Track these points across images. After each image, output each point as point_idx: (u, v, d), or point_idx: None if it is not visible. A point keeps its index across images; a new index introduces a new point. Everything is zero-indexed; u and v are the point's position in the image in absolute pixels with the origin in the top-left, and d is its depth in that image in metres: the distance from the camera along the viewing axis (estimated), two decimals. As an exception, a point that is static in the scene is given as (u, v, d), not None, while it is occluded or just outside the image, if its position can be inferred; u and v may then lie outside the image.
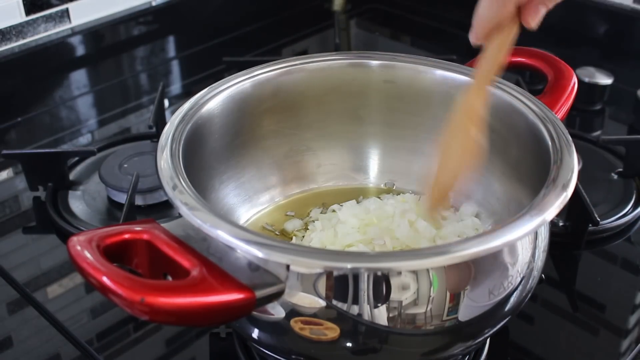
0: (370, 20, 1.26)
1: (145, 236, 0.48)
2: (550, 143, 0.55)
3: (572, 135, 0.56)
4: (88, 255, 0.45)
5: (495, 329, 0.53)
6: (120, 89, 1.04)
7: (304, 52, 1.13)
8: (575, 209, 0.71)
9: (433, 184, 0.55)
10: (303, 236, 0.65)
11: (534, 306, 0.66)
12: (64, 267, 0.71)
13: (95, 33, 1.02)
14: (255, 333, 0.52)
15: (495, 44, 0.53)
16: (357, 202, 0.68)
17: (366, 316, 0.47)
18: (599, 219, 0.70)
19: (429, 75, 0.66)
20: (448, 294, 0.48)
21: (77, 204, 0.78)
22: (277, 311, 0.48)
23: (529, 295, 0.54)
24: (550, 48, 0.72)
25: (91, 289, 0.67)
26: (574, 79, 0.65)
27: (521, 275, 0.51)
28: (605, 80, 0.95)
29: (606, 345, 0.63)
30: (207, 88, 0.63)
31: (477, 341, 0.53)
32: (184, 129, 0.57)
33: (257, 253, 0.45)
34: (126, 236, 0.48)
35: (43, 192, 0.79)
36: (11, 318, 0.66)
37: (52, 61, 0.98)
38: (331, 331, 0.48)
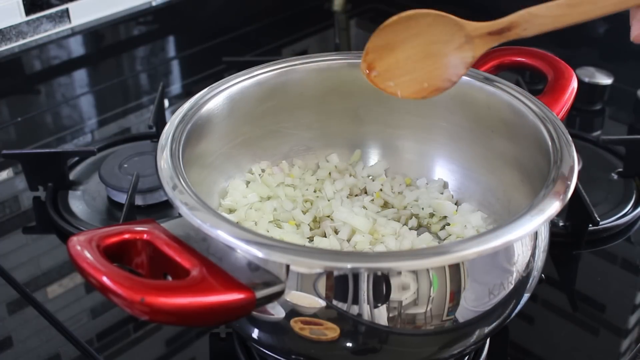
0: (370, 20, 1.26)
1: (145, 236, 0.48)
2: (550, 143, 0.55)
3: (572, 135, 0.56)
4: (88, 255, 0.45)
5: (495, 329, 0.53)
6: (120, 89, 1.04)
7: (304, 52, 1.13)
8: (575, 209, 0.71)
9: None
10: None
11: (534, 306, 0.66)
12: (64, 267, 0.71)
13: (95, 33, 1.02)
14: (255, 333, 0.52)
15: None
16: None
17: (366, 316, 0.47)
18: (599, 219, 0.70)
19: (429, 75, 0.66)
20: (448, 294, 0.48)
21: (77, 204, 0.78)
22: (277, 311, 0.48)
23: (529, 295, 0.54)
24: (550, 48, 0.72)
25: (91, 289, 0.67)
26: (574, 79, 0.65)
27: (521, 275, 0.51)
28: (605, 80, 0.95)
29: (606, 345, 0.63)
30: (207, 88, 0.63)
31: (477, 341, 0.53)
32: (184, 129, 0.58)
33: (257, 253, 0.45)
34: (126, 236, 0.48)
35: (43, 192, 0.79)
36: (11, 318, 0.66)
37: (52, 61, 0.98)
38: (331, 331, 0.48)
